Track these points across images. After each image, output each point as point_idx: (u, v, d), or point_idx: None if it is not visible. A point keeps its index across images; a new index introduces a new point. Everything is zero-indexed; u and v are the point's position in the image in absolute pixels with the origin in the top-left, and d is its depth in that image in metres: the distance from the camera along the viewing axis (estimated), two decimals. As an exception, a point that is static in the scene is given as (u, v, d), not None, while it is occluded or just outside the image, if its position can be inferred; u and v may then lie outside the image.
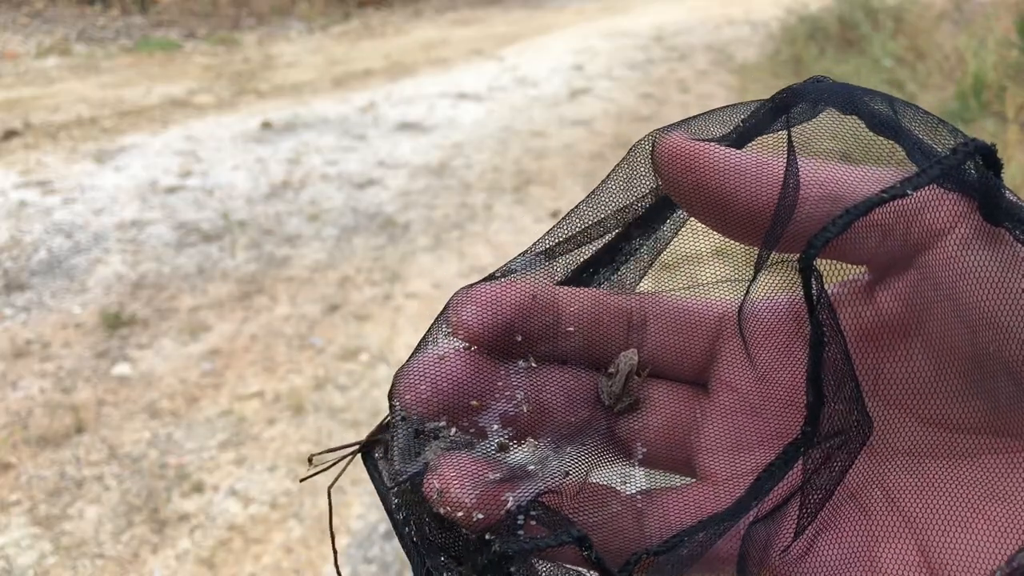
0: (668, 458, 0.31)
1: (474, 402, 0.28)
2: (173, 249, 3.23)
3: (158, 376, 2.44)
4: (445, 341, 0.29)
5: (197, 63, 6.21)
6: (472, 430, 0.29)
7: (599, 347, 0.31)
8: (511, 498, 0.27)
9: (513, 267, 0.31)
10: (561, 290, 0.31)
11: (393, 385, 0.28)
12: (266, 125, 4.68)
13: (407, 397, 0.28)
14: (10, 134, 4.43)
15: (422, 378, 0.28)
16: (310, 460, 0.32)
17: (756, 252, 0.28)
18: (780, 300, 0.30)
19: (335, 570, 0.34)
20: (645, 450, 0.31)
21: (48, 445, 2.16)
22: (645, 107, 5.08)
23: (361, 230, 3.39)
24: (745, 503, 0.27)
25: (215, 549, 1.84)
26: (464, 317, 0.28)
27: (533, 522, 0.27)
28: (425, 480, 0.27)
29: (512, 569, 0.26)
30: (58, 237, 3.31)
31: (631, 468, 0.31)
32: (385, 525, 1.89)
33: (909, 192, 0.24)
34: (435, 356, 0.28)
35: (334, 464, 0.31)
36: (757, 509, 0.27)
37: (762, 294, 0.30)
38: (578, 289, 0.31)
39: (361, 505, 1.95)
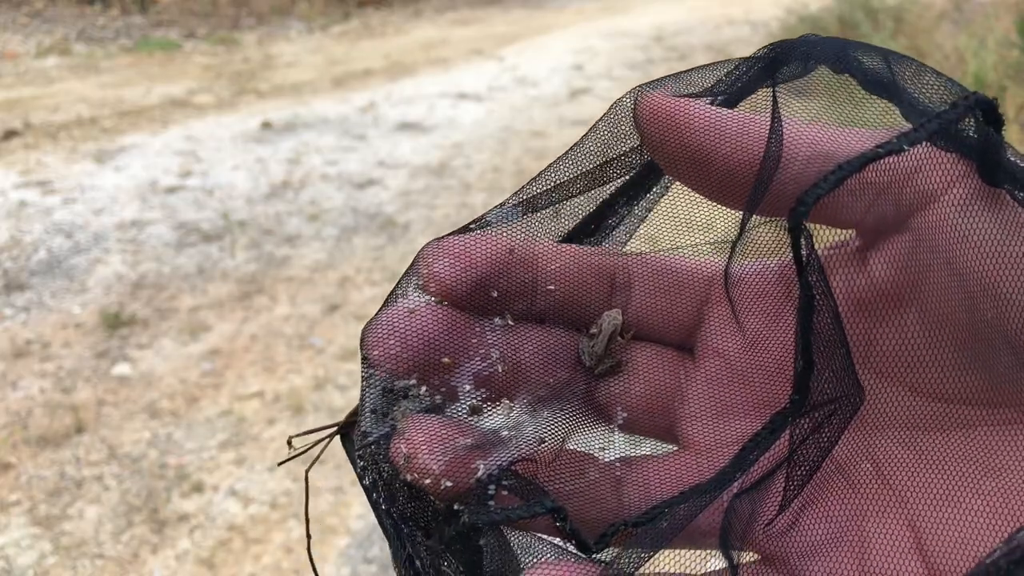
0: (650, 424, 0.30)
1: (446, 359, 0.27)
2: (173, 249, 3.23)
3: (158, 376, 2.44)
4: (415, 295, 0.27)
5: (197, 63, 6.21)
6: (443, 390, 0.27)
7: (581, 307, 0.29)
8: (482, 466, 0.26)
9: (488, 219, 0.29)
10: (541, 245, 0.29)
11: (361, 340, 0.27)
12: (266, 125, 4.68)
13: (375, 352, 0.26)
14: (10, 134, 4.42)
15: (391, 332, 0.26)
16: (289, 442, 0.30)
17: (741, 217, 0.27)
18: (769, 265, 0.29)
19: (308, 556, 0.33)
20: (626, 415, 0.29)
21: (48, 445, 2.16)
22: (645, 107, 5.07)
23: (361, 230, 3.39)
24: (729, 474, 0.26)
25: (215, 549, 1.83)
26: (436, 270, 0.27)
27: (505, 492, 0.26)
28: (392, 444, 0.26)
29: (481, 541, 0.25)
30: (58, 237, 3.31)
31: (610, 434, 0.30)
32: (385, 525, 1.89)
33: (905, 147, 0.23)
34: (405, 309, 0.27)
35: (313, 446, 0.30)
36: (741, 480, 0.26)
37: (751, 259, 0.29)
38: (560, 245, 0.30)
39: (361, 505, 1.95)
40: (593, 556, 0.25)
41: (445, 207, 3.59)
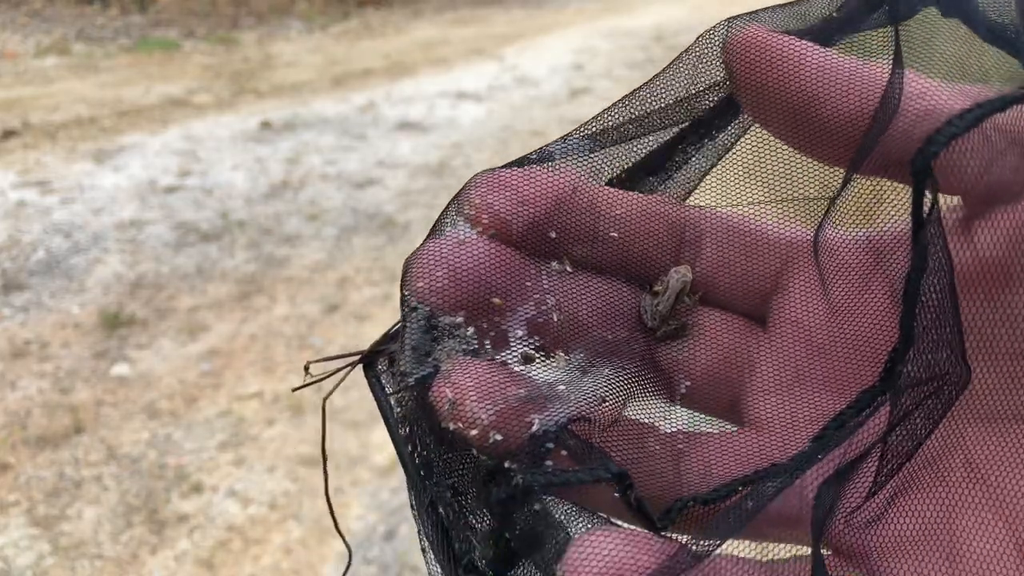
0: (712, 397, 0.27)
1: (496, 300, 0.24)
2: (172, 249, 3.22)
3: (157, 376, 2.43)
4: (465, 227, 0.24)
5: (196, 63, 6.21)
6: (493, 333, 0.24)
7: (644, 260, 0.26)
8: (537, 420, 0.22)
9: (551, 151, 0.26)
10: (605, 189, 0.26)
11: (404, 272, 0.24)
12: (265, 125, 4.68)
13: (419, 284, 0.23)
14: (9, 134, 4.42)
15: (438, 263, 0.23)
16: (306, 368, 0.28)
17: (823, 175, 0.24)
18: (858, 235, 0.26)
19: (326, 500, 0.31)
20: (689, 383, 0.26)
21: (47, 445, 2.16)
22: (645, 107, 5.07)
23: (361, 230, 3.38)
24: (810, 455, 0.23)
25: (214, 550, 1.83)
26: (489, 201, 0.24)
27: (564, 452, 0.22)
28: (435, 387, 0.23)
29: (535, 508, 0.22)
30: (57, 237, 3.30)
31: (671, 404, 0.26)
32: (384, 526, 1.88)
33: None
34: (455, 240, 0.24)
35: (332, 374, 0.28)
36: (821, 464, 0.23)
37: (835, 227, 0.26)
38: (625, 192, 0.26)
39: (360, 506, 1.94)
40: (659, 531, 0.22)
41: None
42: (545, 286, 0.25)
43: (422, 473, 0.24)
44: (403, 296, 0.24)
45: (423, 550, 0.24)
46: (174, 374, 2.44)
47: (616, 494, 0.22)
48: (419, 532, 0.24)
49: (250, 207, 3.61)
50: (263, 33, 7.23)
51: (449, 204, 0.25)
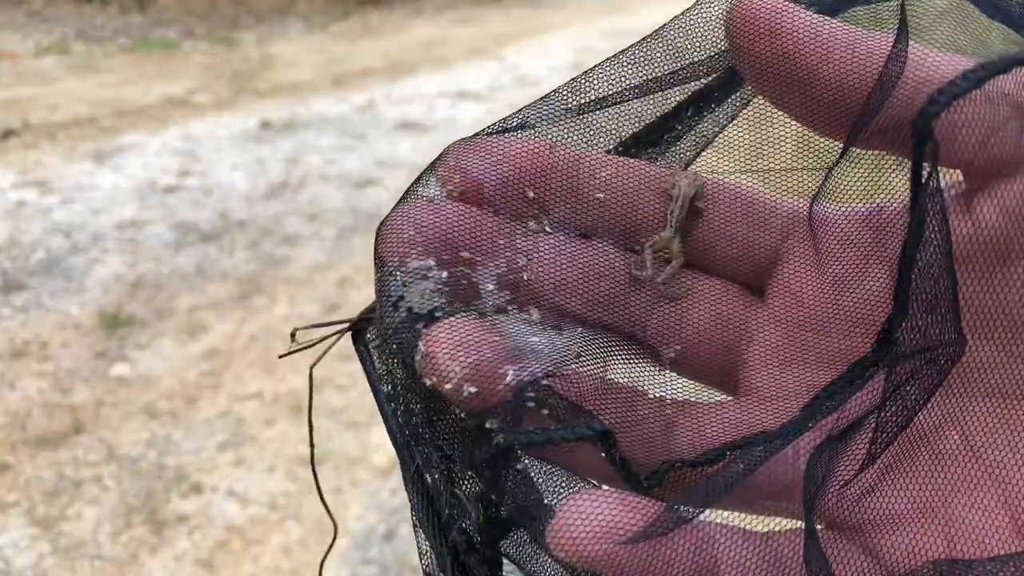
0: (705, 362, 0.26)
1: (465, 254, 0.23)
2: (172, 249, 3.22)
3: (157, 377, 2.43)
4: (436, 188, 0.24)
5: (196, 62, 6.20)
6: (464, 283, 0.23)
7: (634, 223, 0.25)
8: (511, 372, 0.22)
9: (528, 119, 0.25)
10: (589, 152, 0.25)
11: (376, 239, 0.24)
12: (265, 124, 4.68)
13: (388, 241, 0.23)
14: (8, 134, 4.42)
15: (406, 222, 0.23)
16: (293, 335, 0.27)
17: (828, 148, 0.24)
18: (858, 209, 0.26)
19: (312, 472, 0.31)
20: (679, 347, 0.25)
21: (46, 446, 2.16)
22: (645, 106, 5.07)
23: (361, 230, 3.38)
24: (800, 424, 0.22)
25: (214, 550, 1.83)
26: (462, 162, 0.23)
27: (545, 411, 0.22)
28: (413, 349, 0.22)
29: (518, 466, 0.21)
30: (56, 237, 3.30)
31: (660, 370, 0.26)
32: (384, 526, 1.88)
33: None
34: (423, 199, 0.24)
35: (319, 342, 0.27)
36: (812, 434, 0.23)
37: (833, 203, 0.26)
38: (613, 155, 0.25)
39: (359, 506, 1.94)
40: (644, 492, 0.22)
41: (445, 207, 3.58)
42: (519, 245, 0.24)
43: (410, 442, 0.23)
44: (376, 258, 0.24)
45: (414, 526, 0.24)
46: (174, 374, 2.44)
47: (602, 454, 0.22)
48: (411, 509, 0.24)
49: (250, 207, 3.61)
50: (263, 33, 7.23)
51: (423, 171, 0.24)
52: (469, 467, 0.22)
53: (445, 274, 0.23)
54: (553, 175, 0.24)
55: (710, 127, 0.26)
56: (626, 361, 0.25)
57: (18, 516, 1.93)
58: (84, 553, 1.83)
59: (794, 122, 0.25)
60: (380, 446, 2.13)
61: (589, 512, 0.20)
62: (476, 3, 8.86)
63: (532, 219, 0.24)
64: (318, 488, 0.31)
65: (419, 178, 0.24)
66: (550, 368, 0.23)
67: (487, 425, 0.21)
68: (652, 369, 0.26)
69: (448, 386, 0.21)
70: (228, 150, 4.31)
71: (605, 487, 0.22)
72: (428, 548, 0.23)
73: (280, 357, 0.29)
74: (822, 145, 0.25)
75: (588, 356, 0.24)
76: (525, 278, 0.24)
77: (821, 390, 0.23)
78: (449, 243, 0.23)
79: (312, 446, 0.30)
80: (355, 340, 0.26)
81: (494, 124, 0.25)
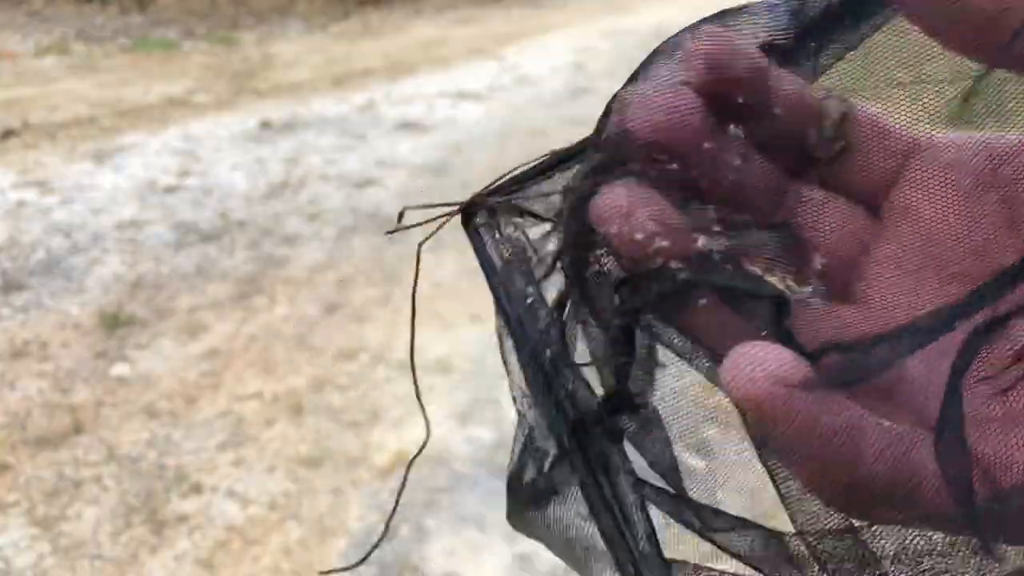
0: (833, 277, 0.26)
1: (707, 144, 0.23)
2: (171, 249, 3.22)
3: (157, 377, 2.43)
4: (679, 70, 0.23)
5: (196, 62, 6.20)
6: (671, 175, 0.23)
7: (792, 143, 0.26)
8: (702, 238, 0.22)
9: (752, 9, 0.25)
10: (773, 65, 0.25)
11: (615, 111, 0.24)
12: (265, 125, 4.68)
13: (637, 120, 0.23)
14: (8, 134, 4.42)
15: (659, 105, 0.23)
16: (400, 215, 0.28)
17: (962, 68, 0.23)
18: (976, 138, 0.26)
19: (413, 386, 0.30)
20: (825, 261, 0.26)
21: (46, 446, 2.16)
22: (645, 106, 5.07)
23: (360, 230, 3.38)
24: (948, 320, 0.21)
25: (214, 550, 1.83)
26: (707, 47, 0.23)
27: (728, 267, 0.22)
28: (595, 200, 0.23)
29: (701, 301, 0.22)
30: (56, 237, 3.30)
31: (805, 281, 0.26)
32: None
33: None
34: (670, 83, 0.23)
35: (426, 223, 0.27)
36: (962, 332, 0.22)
37: (956, 128, 0.26)
38: (788, 71, 0.26)
39: (360, 507, 1.94)
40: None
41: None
42: (717, 150, 0.24)
43: (532, 310, 0.24)
44: (600, 127, 0.24)
45: (517, 410, 0.24)
46: (174, 374, 2.44)
47: (780, 320, 0.22)
48: (514, 400, 0.24)
49: (250, 207, 3.61)
50: (263, 33, 7.23)
51: (655, 53, 0.25)
52: (644, 303, 0.22)
53: (655, 173, 0.23)
54: (759, 84, 0.24)
55: (847, 41, 0.26)
56: (781, 270, 0.26)
57: (18, 516, 1.93)
58: (84, 553, 1.83)
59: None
60: (380, 446, 2.13)
61: (763, 357, 0.20)
62: (476, 3, 8.85)
63: (732, 124, 0.25)
64: (415, 384, 0.31)
65: (648, 61, 0.24)
66: (732, 247, 0.23)
67: (672, 265, 0.22)
68: (796, 278, 0.26)
69: (639, 236, 0.22)
70: (228, 150, 4.30)
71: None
72: (537, 420, 0.24)
73: (387, 234, 0.30)
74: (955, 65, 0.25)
75: (754, 252, 0.25)
76: (724, 184, 0.24)
77: (974, 289, 0.22)
78: (698, 131, 0.23)
79: (413, 327, 0.29)
80: (465, 223, 0.27)
81: (720, 12, 0.25)
